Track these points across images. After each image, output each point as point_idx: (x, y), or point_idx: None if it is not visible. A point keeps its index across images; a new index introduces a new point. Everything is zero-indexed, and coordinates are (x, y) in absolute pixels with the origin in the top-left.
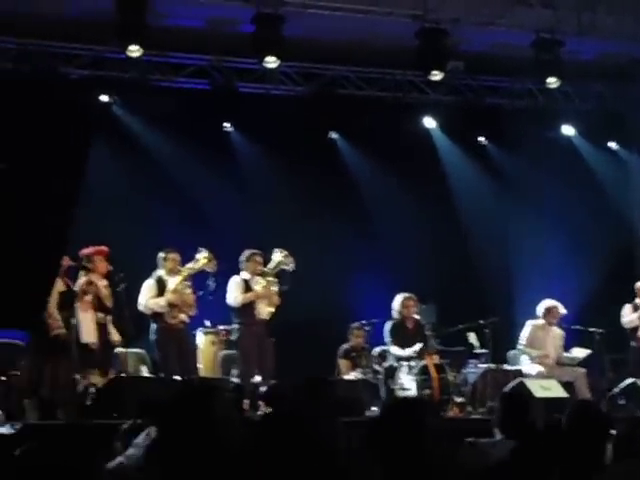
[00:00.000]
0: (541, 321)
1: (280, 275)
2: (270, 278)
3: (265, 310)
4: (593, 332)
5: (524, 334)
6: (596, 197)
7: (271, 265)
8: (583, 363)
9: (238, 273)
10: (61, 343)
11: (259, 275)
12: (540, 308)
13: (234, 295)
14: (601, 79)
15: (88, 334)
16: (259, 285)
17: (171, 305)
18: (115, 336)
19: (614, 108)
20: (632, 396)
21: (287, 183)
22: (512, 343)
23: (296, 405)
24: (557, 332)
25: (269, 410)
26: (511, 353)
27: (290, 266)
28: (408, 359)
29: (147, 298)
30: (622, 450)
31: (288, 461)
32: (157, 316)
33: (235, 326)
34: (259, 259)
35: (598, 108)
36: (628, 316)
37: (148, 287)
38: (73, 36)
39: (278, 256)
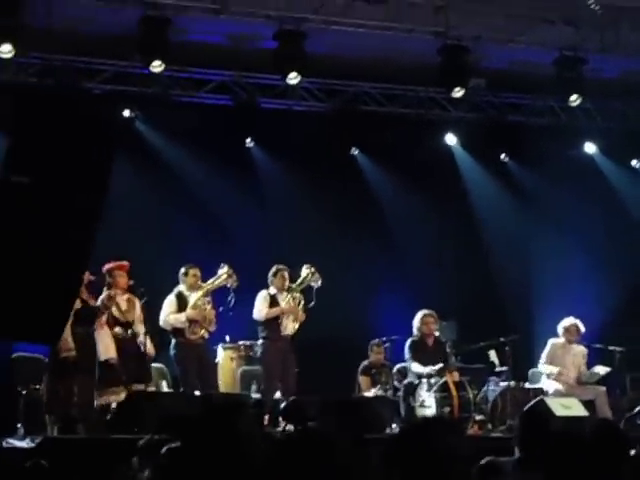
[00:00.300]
0: (561, 339)
1: (306, 291)
2: (296, 294)
3: (290, 326)
4: (614, 350)
5: (545, 352)
6: (618, 215)
7: (298, 281)
8: (603, 382)
9: (261, 289)
10: (71, 365)
11: (286, 290)
12: (560, 326)
13: (259, 309)
14: (624, 97)
15: (106, 351)
16: (285, 300)
17: (191, 321)
18: (150, 349)
19: (637, 126)
20: None
21: (308, 199)
22: (533, 361)
23: (322, 424)
24: (578, 350)
25: (288, 426)
26: (532, 371)
27: (317, 283)
28: (428, 376)
29: (167, 313)
30: None
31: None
32: (177, 331)
33: (260, 341)
34: (286, 275)
35: (620, 126)
36: None
37: (169, 303)
38: (96, 51)
39: (306, 272)
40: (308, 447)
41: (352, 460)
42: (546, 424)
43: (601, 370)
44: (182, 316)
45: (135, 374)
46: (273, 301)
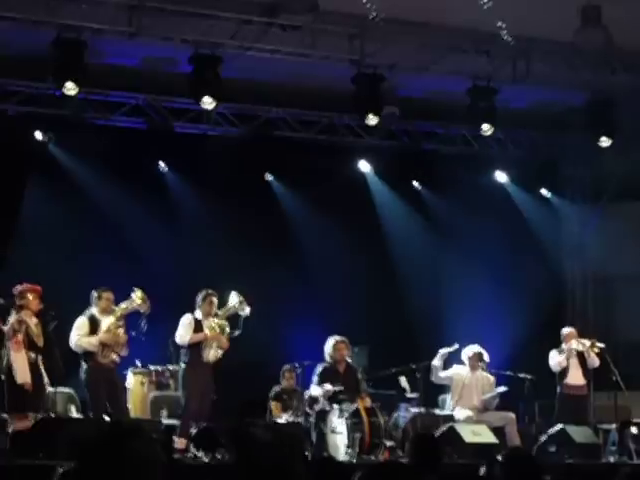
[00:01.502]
0: (465, 367)
1: (231, 319)
2: (222, 321)
3: (212, 353)
4: (523, 378)
5: (446, 372)
6: (528, 243)
7: (225, 307)
8: (511, 408)
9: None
10: None
11: (212, 316)
12: (463, 354)
13: (182, 334)
14: (534, 127)
15: (23, 374)
16: (209, 327)
17: (103, 345)
18: (45, 377)
19: (546, 156)
20: (561, 442)
21: (222, 224)
22: (443, 388)
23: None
24: (482, 376)
25: (199, 453)
26: (441, 397)
27: (245, 311)
28: (339, 402)
29: (79, 336)
30: None
31: None
32: (88, 355)
33: (182, 365)
34: (215, 300)
35: (531, 155)
36: (555, 358)
37: (80, 324)
38: (10, 72)
39: (235, 300)
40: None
41: None
42: (436, 447)
43: (499, 389)
44: (94, 339)
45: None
46: (197, 326)
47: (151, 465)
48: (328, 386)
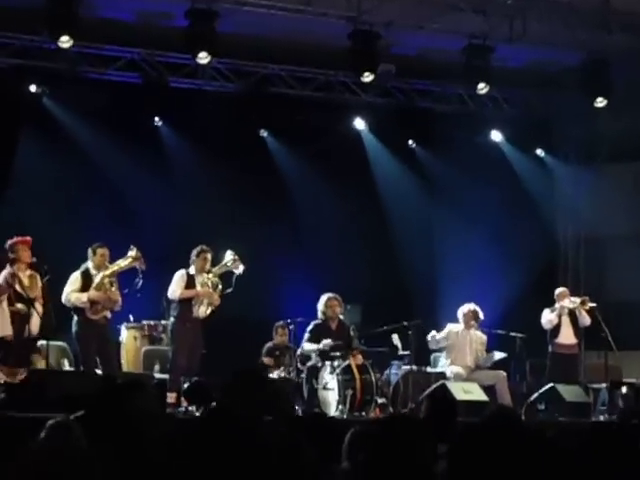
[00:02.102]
0: (460, 325)
1: (224, 276)
2: (215, 278)
3: (202, 309)
4: (515, 337)
5: (441, 334)
6: (522, 203)
7: (219, 265)
8: (503, 367)
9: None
10: None
11: (206, 273)
12: (459, 312)
13: (174, 289)
14: (530, 86)
15: (3, 327)
16: (202, 284)
17: (92, 302)
18: (34, 327)
19: (542, 115)
20: (551, 401)
21: (216, 180)
22: None
23: (228, 402)
24: (477, 336)
25: (191, 407)
26: (434, 356)
27: (239, 269)
28: (331, 358)
29: (69, 291)
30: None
31: (221, 458)
32: (78, 310)
33: (171, 319)
34: (209, 257)
35: (526, 115)
36: (547, 317)
37: (73, 280)
38: (3, 24)
39: (229, 257)
40: (214, 426)
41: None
42: (454, 408)
43: (496, 355)
44: (84, 296)
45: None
46: (190, 282)
47: (152, 418)
48: (327, 341)
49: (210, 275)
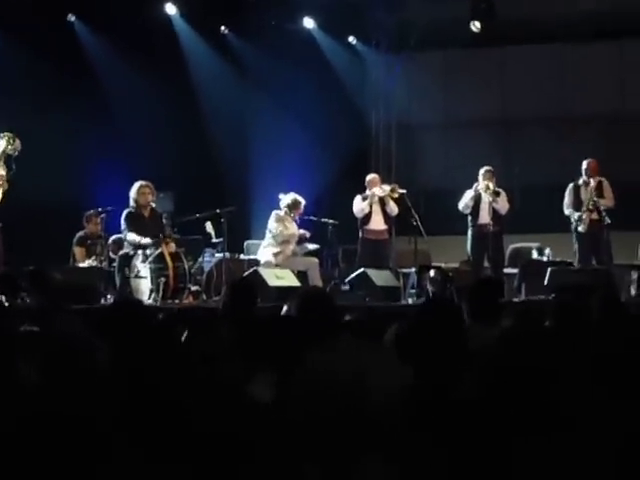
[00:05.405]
0: (282, 212)
1: (7, 160)
2: None
3: None
4: (326, 223)
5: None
6: (334, 90)
7: None
8: (315, 254)
9: None
10: None
11: None
12: (286, 200)
13: None
14: None
15: None
16: None
17: None
18: None
19: (353, 2)
20: (361, 285)
21: (23, 67)
22: (249, 233)
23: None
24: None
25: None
26: (247, 243)
27: (15, 151)
28: (144, 247)
29: None
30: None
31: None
32: None
33: None
34: None
35: (338, 2)
36: (358, 205)
37: None
38: None
39: (2, 143)
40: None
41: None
42: (253, 292)
43: (309, 246)
44: None
45: None
46: None
47: None
48: (146, 240)
49: None
